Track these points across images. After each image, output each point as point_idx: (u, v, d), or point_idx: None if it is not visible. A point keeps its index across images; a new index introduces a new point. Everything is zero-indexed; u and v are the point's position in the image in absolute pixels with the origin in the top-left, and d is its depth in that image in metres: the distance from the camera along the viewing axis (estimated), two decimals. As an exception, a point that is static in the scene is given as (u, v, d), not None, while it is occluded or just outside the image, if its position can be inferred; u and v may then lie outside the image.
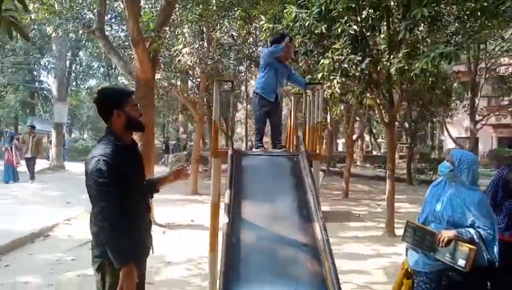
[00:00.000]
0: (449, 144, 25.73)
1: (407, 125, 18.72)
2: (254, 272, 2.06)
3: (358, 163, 28.16)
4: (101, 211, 2.18)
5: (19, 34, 2.64)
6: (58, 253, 5.48)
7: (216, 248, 2.79)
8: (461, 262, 2.63)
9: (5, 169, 12.50)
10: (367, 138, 40.40)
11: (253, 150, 3.15)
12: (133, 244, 2.26)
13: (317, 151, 3.01)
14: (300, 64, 8.14)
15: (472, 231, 2.67)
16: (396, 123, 20.79)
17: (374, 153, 35.53)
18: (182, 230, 7.26)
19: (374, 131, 30.45)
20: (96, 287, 2.31)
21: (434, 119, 23.50)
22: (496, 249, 2.70)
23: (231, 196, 2.46)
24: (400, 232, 7.32)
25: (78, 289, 4.33)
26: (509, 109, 18.19)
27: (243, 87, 17.90)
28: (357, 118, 18.00)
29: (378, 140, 37.40)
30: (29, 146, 12.80)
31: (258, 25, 9.59)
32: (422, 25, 6.52)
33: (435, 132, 32.03)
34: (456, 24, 6.90)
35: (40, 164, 19.12)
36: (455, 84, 18.61)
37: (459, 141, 19.95)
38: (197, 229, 7.14)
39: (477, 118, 15.06)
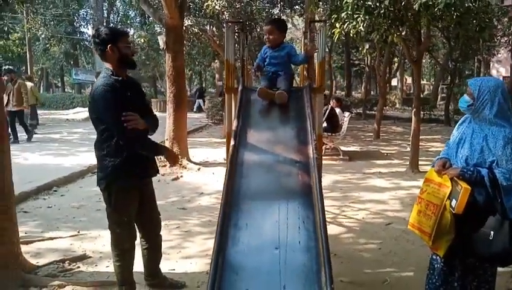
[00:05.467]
0: (495, 84, 24.38)
1: (450, 66, 17.99)
2: (253, 184, 2.48)
3: (397, 105, 27.60)
4: (115, 131, 2.56)
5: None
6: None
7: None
8: (453, 203, 2.22)
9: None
10: (409, 80, 39.00)
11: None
12: (138, 164, 2.67)
13: (322, 85, 3.28)
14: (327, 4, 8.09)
15: (484, 171, 2.18)
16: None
17: (416, 95, 34.34)
18: (215, 168, 7.82)
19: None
20: (105, 203, 2.74)
21: (479, 58, 22.32)
22: None
23: (238, 124, 2.84)
24: (425, 168, 7.56)
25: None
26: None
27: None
28: (395, 59, 17.48)
29: (422, 82, 36.06)
30: (10, 97, 9.61)
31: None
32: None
33: (481, 70, 30.35)
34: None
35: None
36: (505, 20, 17.43)
37: (506, 80, 18.99)
38: (228, 167, 7.65)
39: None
